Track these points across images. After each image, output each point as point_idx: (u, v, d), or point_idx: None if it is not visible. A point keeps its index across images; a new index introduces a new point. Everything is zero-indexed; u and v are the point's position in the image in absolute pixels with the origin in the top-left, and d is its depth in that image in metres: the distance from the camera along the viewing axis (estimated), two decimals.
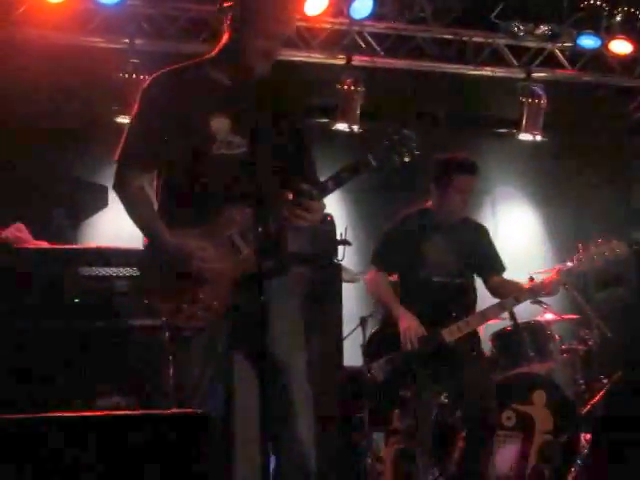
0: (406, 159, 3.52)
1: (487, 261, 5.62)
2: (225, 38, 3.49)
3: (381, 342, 5.36)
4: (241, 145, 3.38)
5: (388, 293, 5.28)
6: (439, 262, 5.31)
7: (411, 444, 5.24)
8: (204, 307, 3.34)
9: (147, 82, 3.54)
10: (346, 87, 7.47)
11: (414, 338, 5.09)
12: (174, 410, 2.59)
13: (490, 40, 7.95)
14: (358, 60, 7.57)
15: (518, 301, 5.45)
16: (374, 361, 5.36)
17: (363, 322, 6.53)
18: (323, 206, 3.47)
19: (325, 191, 3.42)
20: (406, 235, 5.30)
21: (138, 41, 6.98)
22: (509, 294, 5.45)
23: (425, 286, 5.25)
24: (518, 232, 8.73)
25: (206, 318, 3.34)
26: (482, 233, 5.73)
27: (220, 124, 3.38)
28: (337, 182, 3.47)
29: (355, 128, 7.56)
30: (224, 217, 3.38)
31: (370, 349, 5.60)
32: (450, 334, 5.28)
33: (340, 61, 7.55)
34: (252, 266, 3.19)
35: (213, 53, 3.54)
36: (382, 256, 5.33)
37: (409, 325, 5.10)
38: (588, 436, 6.32)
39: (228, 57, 3.47)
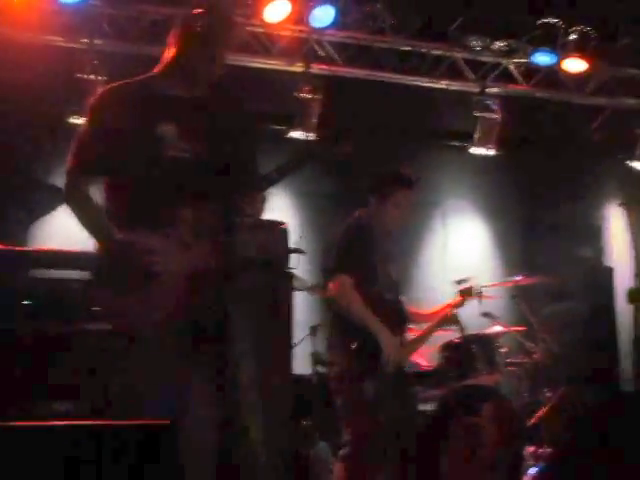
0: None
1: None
2: (174, 51, 3.60)
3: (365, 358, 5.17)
4: (187, 150, 3.48)
5: (363, 305, 4.98)
6: (387, 277, 5.26)
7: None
8: (157, 306, 3.37)
9: (97, 94, 3.68)
10: (304, 95, 7.47)
11: (396, 360, 5.02)
12: (139, 420, 2.56)
13: (447, 53, 8.01)
14: (317, 68, 7.58)
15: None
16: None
17: (313, 331, 6.56)
18: (264, 197, 3.62)
19: (269, 182, 3.50)
20: (366, 245, 5.17)
21: (98, 41, 6.92)
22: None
23: (379, 302, 5.13)
24: (468, 245, 8.80)
25: (159, 316, 3.37)
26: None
27: (168, 130, 3.48)
28: (280, 173, 3.58)
29: (311, 136, 7.56)
30: (175, 218, 3.43)
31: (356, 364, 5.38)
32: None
33: (299, 69, 7.54)
34: (203, 265, 3.33)
35: (162, 66, 3.64)
36: (350, 263, 5.02)
37: (392, 345, 5.01)
38: (532, 449, 6.42)
39: (178, 72, 3.59)
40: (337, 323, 5.01)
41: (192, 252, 3.40)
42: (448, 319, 5.72)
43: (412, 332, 5.57)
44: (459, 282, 5.78)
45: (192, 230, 3.42)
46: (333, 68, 7.71)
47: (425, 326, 5.64)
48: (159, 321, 3.36)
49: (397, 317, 5.17)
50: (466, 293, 5.76)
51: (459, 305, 5.73)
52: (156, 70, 3.65)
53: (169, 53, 3.62)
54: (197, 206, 3.42)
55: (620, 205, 5.16)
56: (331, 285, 4.93)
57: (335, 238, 5.13)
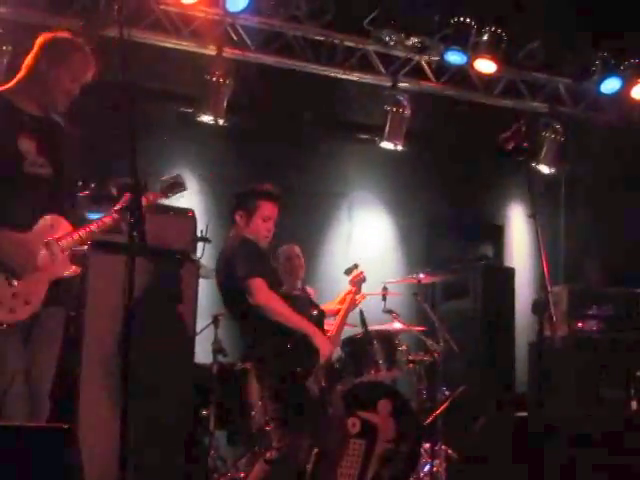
0: None
1: None
2: (29, 69, 3.95)
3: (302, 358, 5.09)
4: (45, 165, 3.86)
5: (286, 305, 4.95)
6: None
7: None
8: (24, 301, 3.75)
9: None
10: (214, 79, 7.34)
11: (330, 357, 5.05)
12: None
13: (361, 46, 7.98)
14: (229, 52, 7.46)
15: None
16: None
17: (215, 320, 6.47)
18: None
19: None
20: (260, 250, 5.16)
21: (3, 9, 6.66)
22: None
23: (291, 300, 5.11)
24: (373, 237, 8.81)
25: (26, 312, 3.76)
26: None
27: (27, 146, 3.83)
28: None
29: (221, 121, 7.43)
30: (39, 226, 3.84)
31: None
32: None
33: (211, 52, 7.41)
34: (63, 270, 3.88)
35: (16, 82, 3.95)
36: (258, 268, 4.96)
37: (326, 343, 4.99)
38: (428, 445, 6.46)
39: (33, 89, 3.93)
40: (262, 324, 4.92)
41: (54, 260, 3.84)
42: (354, 305, 5.74)
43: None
44: (347, 272, 5.78)
45: (56, 239, 3.84)
46: (245, 53, 7.59)
47: (335, 320, 5.65)
48: (26, 314, 3.78)
49: (315, 317, 5.15)
50: (357, 281, 5.75)
51: (355, 294, 5.74)
52: (15, 81, 3.94)
53: (29, 63, 3.95)
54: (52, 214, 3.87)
55: (529, 217, 5.19)
56: (251, 290, 4.83)
57: (228, 253, 5.08)
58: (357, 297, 5.82)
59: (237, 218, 5.14)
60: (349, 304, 5.72)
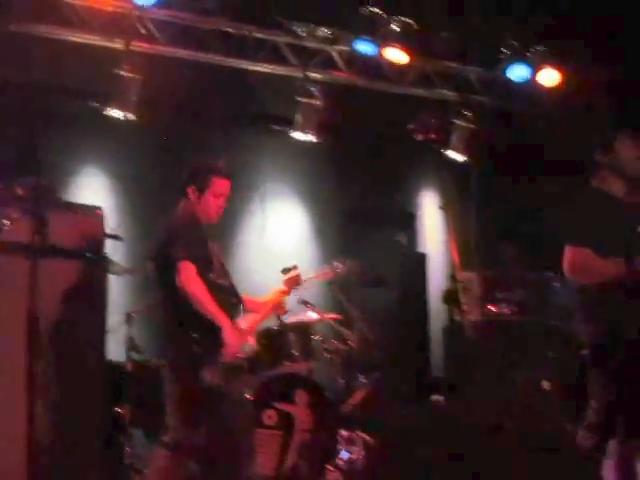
0: None
1: None
2: None
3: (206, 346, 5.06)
4: None
5: (208, 294, 4.93)
6: (219, 264, 5.24)
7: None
8: None
9: None
10: (123, 73, 7.26)
11: (236, 352, 5.02)
12: None
13: (271, 37, 7.98)
14: (138, 46, 7.38)
15: None
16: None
17: (128, 317, 6.44)
18: None
19: None
20: (201, 234, 5.16)
21: None
22: None
23: (215, 289, 5.08)
24: (286, 229, 8.84)
25: None
26: None
27: None
28: None
29: (130, 116, 7.36)
30: None
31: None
32: None
33: (119, 45, 7.33)
34: None
35: None
36: (191, 251, 4.93)
37: (234, 337, 4.97)
38: (346, 434, 6.52)
39: None
40: (177, 310, 4.91)
41: None
42: (277, 308, 5.74)
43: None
44: (284, 271, 5.79)
45: None
46: (155, 47, 7.53)
47: (255, 315, 5.61)
48: None
49: (232, 304, 5.16)
50: (291, 282, 5.77)
51: (286, 294, 5.76)
52: None
53: None
54: None
55: (440, 208, 5.27)
56: (179, 271, 4.81)
57: (166, 228, 5.09)
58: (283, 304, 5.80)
59: (189, 192, 5.15)
60: (275, 305, 5.67)
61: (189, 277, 4.84)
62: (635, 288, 4.65)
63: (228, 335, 4.90)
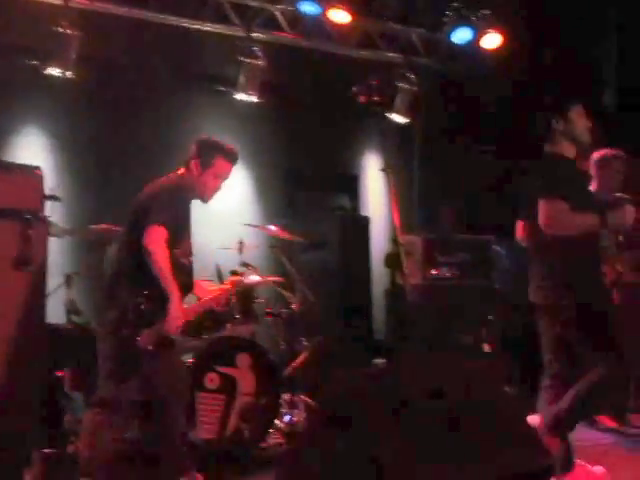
0: None
1: None
2: None
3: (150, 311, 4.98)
4: None
5: (169, 263, 4.81)
6: (187, 243, 5.16)
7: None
8: None
9: None
10: (61, 30, 7.09)
11: (176, 326, 4.94)
12: None
13: None
14: (77, 3, 7.21)
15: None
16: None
17: (68, 279, 6.34)
18: None
19: None
20: (185, 206, 5.06)
21: None
22: None
23: (175, 265, 4.99)
24: (229, 190, 8.69)
25: None
26: None
27: None
28: None
29: (69, 74, 7.19)
30: None
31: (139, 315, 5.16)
32: None
33: (57, 2, 7.14)
34: None
35: None
36: (168, 219, 4.77)
37: (178, 312, 4.90)
38: (288, 397, 6.54)
39: None
40: (133, 268, 4.82)
41: None
42: (217, 301, 5.64)
43: None
44: (233, 273, 5.77)
45: None
46: (94, 3, 7.36)
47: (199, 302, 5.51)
48: None
49: (185, 284, 5.09)
50: (236, 284, 5.72)
51: (229, 292, 5.69)
52: None
53: None
54: None
55: (381, 170, 5.30)
56: (148, 233, 4.71)
57: (150, 192, 4.95)
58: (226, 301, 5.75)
59: (192, 165, 5.06)
60: (217, 299, 5.52)
61: (157, 240, 4.73)
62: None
63: (174, 307, 4.83)
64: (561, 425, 5.17)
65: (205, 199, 5.20)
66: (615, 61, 10.50)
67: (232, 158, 5.23)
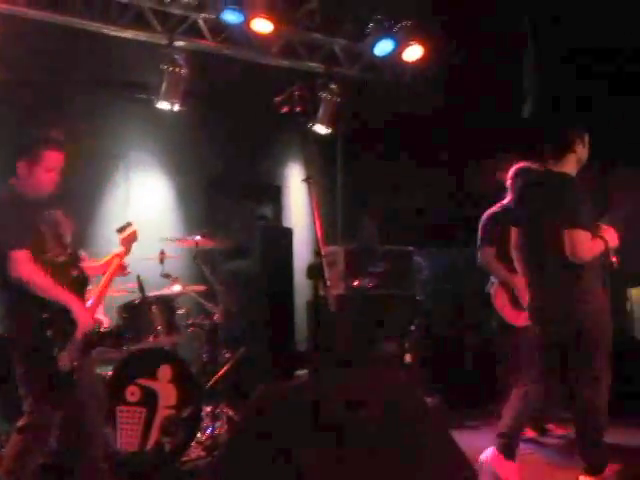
0: None
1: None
2: None
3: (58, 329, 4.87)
4: None
5: (45, 276, 4.73)
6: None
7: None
8: None
9: None
10: None
11: (89, 327, 4.84)
12: None
13: (135, 2, 7.75)
14: None
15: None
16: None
17: None
18: None
19: None
20: (26, 215, 4.86)
21: None
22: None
23: (55, 269, 4.88)
24: (151, 199, 8.67)
25: None
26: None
27: None
28: None
29: None
30: None
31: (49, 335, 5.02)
32: None
33: None
34: None
35: None
36: (20, 237, 4.66)
37: (84, 313, 4.81)
38: (209, 408, 6.49)
39: None
40: (22, 296, 4.71)
41: None
42: (118, 270, 5.50)
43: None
44: (120, 230, 5.56)
45: None
46: (14, 7, 7.20)
47: (100, 281, 5.39)
48: None
49: (75, 278, 4.98)
50: (129, 240, 5.54)
51: (125, 253, 5.52)
52: None
53: None
54: None
55: (303, 181, 5.30)
56: (13, 263, 4.60)
57: None
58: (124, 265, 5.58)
59: (19, 168, 4.83)
60: (115, 268, 5.33)
61: (23, 266, 4.64)
62: None
63: (78, 314, 4.76)
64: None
65: (44, 194, 4.95)
66: (534, 71, 10.68)
67: (60, 145, 4.94)
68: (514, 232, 5.93)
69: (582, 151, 5.66)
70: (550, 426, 7.20)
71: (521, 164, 7.27)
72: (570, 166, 5.64)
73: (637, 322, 10.95)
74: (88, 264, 5.35)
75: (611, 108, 8.94)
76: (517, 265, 5.95)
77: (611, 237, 5.50)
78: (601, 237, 5.42)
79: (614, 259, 5.58)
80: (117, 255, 5.39)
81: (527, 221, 5.72)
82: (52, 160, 4.89)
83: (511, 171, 7.31)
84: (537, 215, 5.59)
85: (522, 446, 6.77)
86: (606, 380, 5.44)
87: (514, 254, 5.98)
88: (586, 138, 5.68)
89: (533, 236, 5.65)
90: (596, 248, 5.36)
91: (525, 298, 6.93)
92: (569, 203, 5.34)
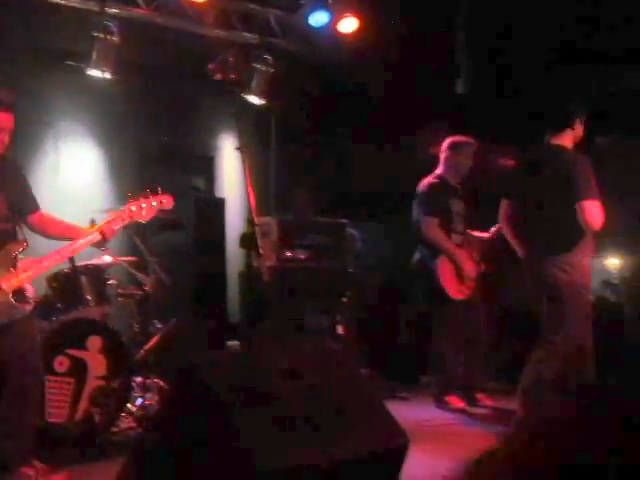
0: None
1: (26, 198, 5.25)
2: None
3: None
4: None
5: None
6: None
7: None
8: None
9: None
10: None
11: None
12: None
13: None
14: None
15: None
16: None
17: None
18: None
19: None
20: None
21: None
22: (64, 231, 5.25)
23: None
24: (81, 169, 8.51)
25: None
26: (17, 169, 5.34)
27: None
28: None
29: None
30: None
31: None
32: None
33: None
34: None
35: None
36: None
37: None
38: (140, 379, 6.43)
39: None
40: None
41: None
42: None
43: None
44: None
45: None
46: None
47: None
48: None
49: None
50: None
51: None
52: None
53: None
54: None
55: (237, 150, 5.28)
56: None
57: None
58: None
59: None
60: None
61: None
62: None
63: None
64: None
65: None
66: (467, 48, 10.75)
67: (8, 106, 4.85)
68: (505, 204, 6.11)
69: (579, 130, 5.87)
70: (480, 396, 7.30)
71: (456, 138, 7.34)
72: (567, 141, 5.84)
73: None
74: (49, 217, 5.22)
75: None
76: (507, 235, 6.13)
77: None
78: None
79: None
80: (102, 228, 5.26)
81: (525, 193, 5.90)
82: (0, 121, 4.80)
83: (444, 144, 7.37)
84: (540, 188, 5.76)
85: (450, 416, 6.90)
86: (567, 352, 5.60)
87: (503, 225, 6.15)
88: (584, 119, 5.90)
89: (530, 208, 5.84)
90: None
91: (468, 269, 7.08)
92: (582, 175, 5.57)
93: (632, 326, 8.07)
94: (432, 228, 7.12)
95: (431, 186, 7.26)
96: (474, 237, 7.42)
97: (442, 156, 7.36)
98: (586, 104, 6.13)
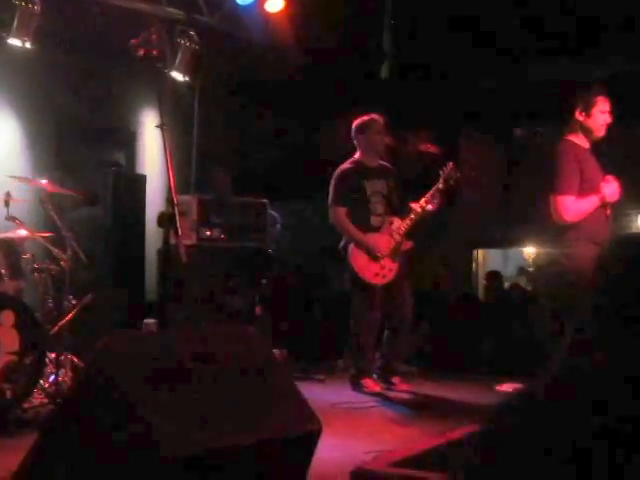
0: None
1: None
2: None
3: None
4: None
5: None
6: None
7: None
8: None
9: None
10: None
11: None
12: None
13: None
14: None
15: None
16: None
17: None
18: None
19: None
20: None
21: None
22: None
23: None
24: None
25: None
26: None
27: None
28: None
29: None
30: None
31: None
32: None
33: None
34: None
35: None
36: None
37: None
38: (53, 355, 6.36)
39: None
40: None
41: None
42: None
43: None
44: None
45: None
46: None
47: None
48: None
49: None
50: None
51: None
52: None
53: None
54: None
55: (157, 127, 5.24)
56: None
57: None
58: None
59: None
60: None
61: None
62: None
63: None
64: None
65: None
66: (392, 33, 10.82)
67: None
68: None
69: (586, 120, 5.86)
70: (395, 379, 7.37)
71: (359, 119, 7.40)
72: (574, 132, 5.94)
73: (481, 283, 11.35)
74: None
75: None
76: None
77: (611, 192, 5.82)
78: (596, 194, 5.73)
79: (609, 212, 5.89)
80: None
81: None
82: None
83: (352, 129, 7.45)
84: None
85: (366, 399, 6.97)
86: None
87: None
88: (596, 108, 5.85)
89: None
90: (584, 207, 5.71)
91: (380, 250, 7.13)
92: (553, 169, 5.75)
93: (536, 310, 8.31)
94: (337, 216, 7.20)
95: (340, 173, 7.34)
96: (413, 209, 7.26)
97: (355, 142, 7.44)
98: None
